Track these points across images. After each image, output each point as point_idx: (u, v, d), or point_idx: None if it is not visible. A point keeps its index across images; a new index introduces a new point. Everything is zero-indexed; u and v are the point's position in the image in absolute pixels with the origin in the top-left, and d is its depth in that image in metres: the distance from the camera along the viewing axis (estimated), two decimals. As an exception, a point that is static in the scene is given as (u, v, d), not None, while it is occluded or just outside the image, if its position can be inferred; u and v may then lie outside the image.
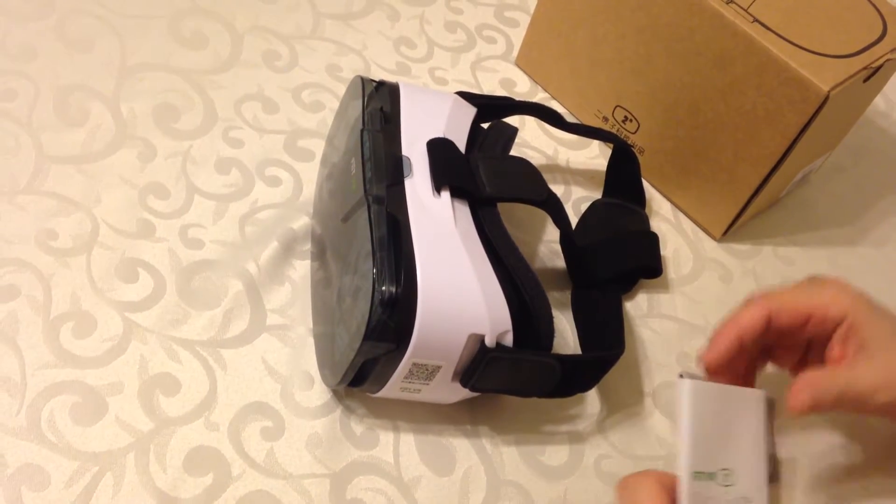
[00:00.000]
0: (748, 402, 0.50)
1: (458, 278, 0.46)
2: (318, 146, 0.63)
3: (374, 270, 0.44)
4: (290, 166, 0.61)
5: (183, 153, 0.60)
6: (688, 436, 0.45)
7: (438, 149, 0.51)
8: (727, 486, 0.46)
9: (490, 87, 0.72)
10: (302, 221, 0.58)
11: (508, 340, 0.47)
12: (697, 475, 0.45)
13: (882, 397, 0.47)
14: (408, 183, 0.49)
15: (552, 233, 0.63)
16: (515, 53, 0.74)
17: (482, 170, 0.51)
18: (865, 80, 0.58)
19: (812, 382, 0.48)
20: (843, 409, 0.48)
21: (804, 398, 0.47)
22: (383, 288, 0.44)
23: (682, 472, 0.45)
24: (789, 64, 0.55)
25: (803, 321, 0.49)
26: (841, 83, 0.55)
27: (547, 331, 0.48)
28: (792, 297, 0.50)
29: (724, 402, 0.48)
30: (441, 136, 0.52)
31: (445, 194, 0.49)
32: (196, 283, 0.54)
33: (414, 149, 0.51)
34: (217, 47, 0.67)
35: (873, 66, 0.57)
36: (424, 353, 0.45)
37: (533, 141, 0.69)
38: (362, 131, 0.51)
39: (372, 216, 0.47)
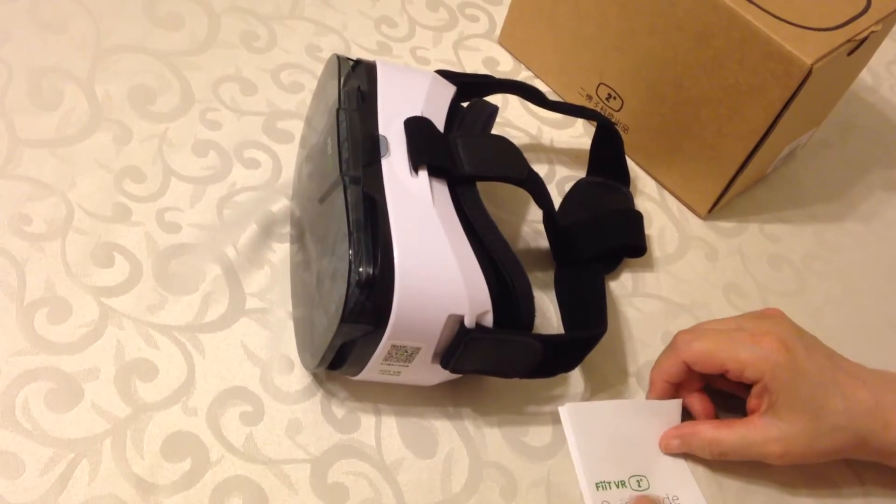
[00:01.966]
0: (660, 411, 0.52)
1: (437, 258, 0.45)
2: (297, 127, 0.62)
3: (351, 252, 0.44)
4: (269, 148, 0.60)
5: (159, 136, 0.59)
6: (576, 453, 0.50)
7: (416, 127, 0.50)
8: (643, 490, 0.50)
9: (473, 66, 0.71)
10: (281, 204, 0.57)
11: (488, 321, 0.46)
12: (602, 485, 0.49)
13: (778, 462, 0.49)
14: (385, 162, 0.48)
15: (535, 212, 0.62)
16: (498, 32, 0.74)
17: (461, 148, 0.51)
18: (849, 54, 0.57)
19: (684, 436, 0.51)
20: (739, 458, 0.51)
21: (672, 444, 0.51)
22: (360, 269, 0.43)
23: (582, 485, 0.49)
24: (772, 37, 0.54)
25: (719, 371, 0.50)
26: (824, 56, 0.54)
27: (527, 310, 0.47)
28: (710, 349, 0.49)
29: (621, 416, 0.52)
30: (419, 114, 0.51)
31: (423, 173, 0.49)
32: (173, 267, 0.53)
33: (391, 128, 0.50)
34: (194, 28, 0.66)
35: (857, 38, 0.56)
36: (403, 335, 0.45)
37: (516, 120, 0.68)
38: (338, 110, 0.50)
39: (348, 197, 0.46)
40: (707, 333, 0.50)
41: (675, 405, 0.53)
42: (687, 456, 0.52)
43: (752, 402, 0.50)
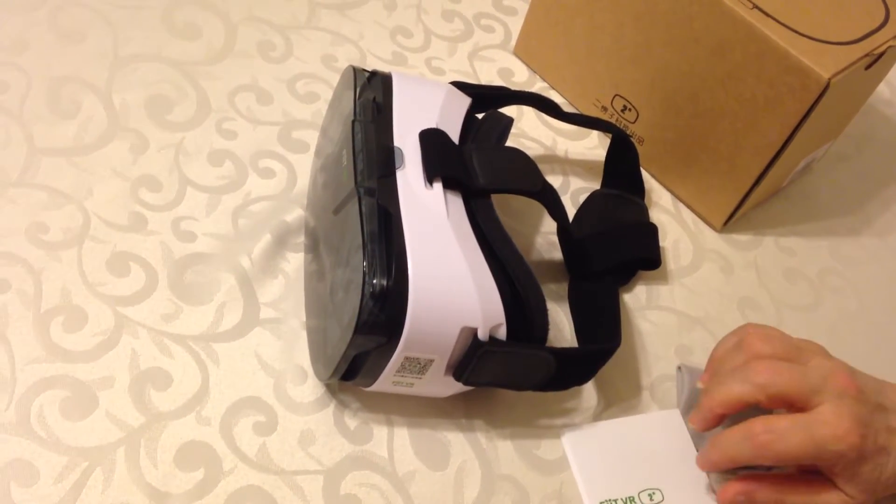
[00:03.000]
0: (663, 422, 0.53)
1: (450, 271, 0.45)
2: (312, 137, 0.62)
3: (365, 263, 0.44)
4: (284, 158, 0.61)
5: (175, 145, 0.59)
6: (579, 475, 0.51)
7: (431, 139, 0.50)
8: (657, 503, 0.50)
9: (488, 76, 0.71)
10: (295, 214, 0.58)
11: (502, 334, 0.46)
12: (607, 503, 0.50)
13: None
14: (399, 174, 0.48)
15: (550, 224, 0.62)
16: (514, 42, 0.74)
17: (475, 160, 0.51)
18: (867, 68, 0.57)
19: (749, 492, 0.48)
20: None
21: (738, 501, 0.49)
22: (374, 281, 0.44)
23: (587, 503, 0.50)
24: (789, 51, 0.54)
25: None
26: (842, 70, 0.54)
27: (541, 323, 0.47)
28: (800, 452, 0.45)
29: (625, 433, 0.52)
30: (434, 126, 0.51)
31: (438, 186, 0.49)
32: (188, 276, 0.53)
33: (406, 140, 0.50)
34: (211, 38, 0.66)
35: (875, 52, 0.56)
36: (416, 347, 0.45)
37: (531, 131, 0.68)
38: (353, 122, 0.50)
39: (363, 208, 0.46)
40: (790, 435, 0.46)
41: (675, 415, 0.54)
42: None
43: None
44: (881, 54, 0.57)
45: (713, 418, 0.48)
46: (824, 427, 0.45)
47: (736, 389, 0.47)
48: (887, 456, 0.47)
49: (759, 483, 0.49)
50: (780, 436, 0.46)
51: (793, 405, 0.47)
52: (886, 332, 0.63)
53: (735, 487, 0.49)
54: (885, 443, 0.47)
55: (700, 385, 0.51)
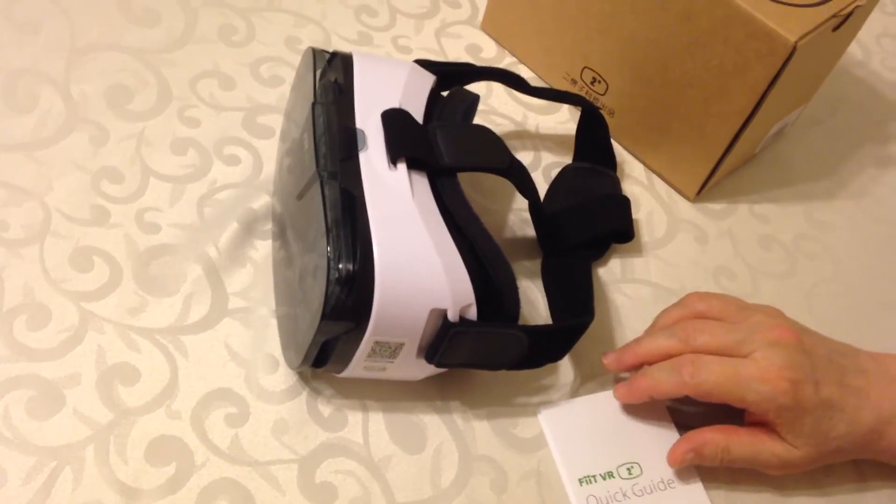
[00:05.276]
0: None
1: (417, 252, 0.45)
2: (277, 122, 0.61)
3: (330, 248, 0.43)
4: (250, 144, 0.60)
5: (137, 135, 0.58)
6: (557, 453, 0.50)
7: (393, 119, 0.49)
8: (634, 477, 0.50)
9: (455, 53, 0.70)
10: (262, 200, 0.57)
11: (472, 314, 0.45)
12: (586, 479, 0.49)
13: (776, 474, 0.50)
14: (362, 156, 0.47)
15: (522, 201, 0.61)
16: (481, 18, 0.72)
17: (440, 139, 0.50)
18: (835, 29, 0.56)
19: (697, 448, 0.49)
20: (743, 466, 0.50)
21: (686, 458, 0.49)
22: (339, 266, 0.43)
23: (566, 483, 0.49)
24: (754, 15, 0.53)
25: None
26: (808, 33, 0.53)
27: (511, 302, 0.47)
28: (716, 388, 0.47)
29: (602, 408, 0.52)
30: (397, 106, 0.50)
31: (402, 166, 0.48)
32: (154, 268, 0.52)
33: (369, 121, 0.49)
34: (170, 24, 0.65)
35: (842, 14, 0.55)
36: (385, 331, 0.44)
37: (501, 107, 0.67)
38: (314, 105, 0.49)
39: (326, 193, 0.45)
40: (713, 366, 0.47)
41: None
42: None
43: (751, 416, 0.49)
44: (848, 15, 0.56)
45: (631, 363, 0.51)
46: (750, 367, 0.47)
47: (662, 343, 0.49)
48: (836, 412, 0.47)
49: (704, 436, 0.49)
50: (704, 367, 0.47)
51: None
52: (863, 297, 0.63)
53: (682, 446, 0.49)
54: (834, 397, 0.47)
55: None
